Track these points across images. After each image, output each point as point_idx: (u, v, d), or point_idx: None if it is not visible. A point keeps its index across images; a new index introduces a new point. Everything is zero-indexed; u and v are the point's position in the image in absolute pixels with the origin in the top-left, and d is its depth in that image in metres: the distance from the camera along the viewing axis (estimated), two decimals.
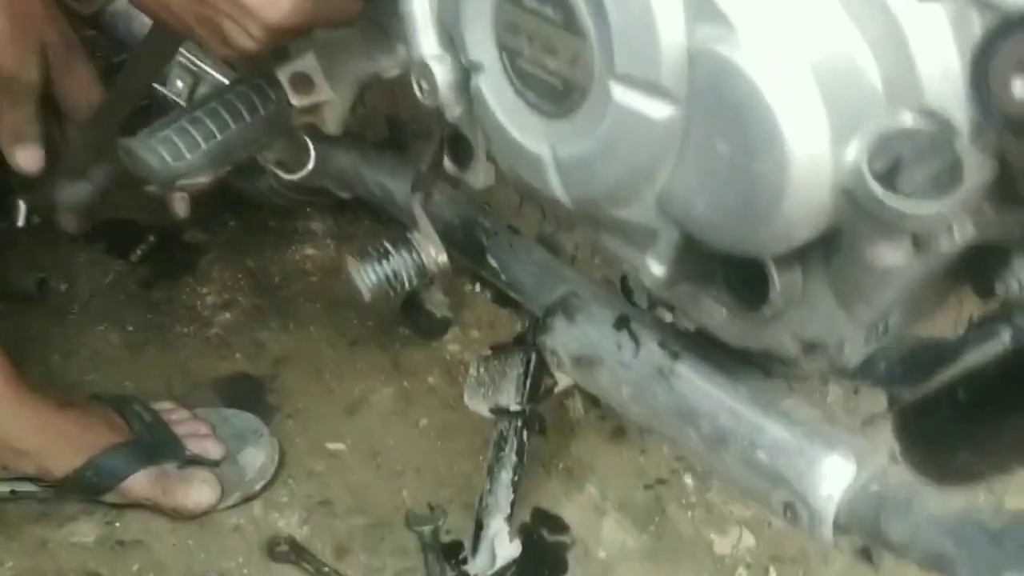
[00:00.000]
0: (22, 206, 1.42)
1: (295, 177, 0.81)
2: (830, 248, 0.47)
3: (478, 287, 1.28)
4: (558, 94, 0.52)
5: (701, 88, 0.44)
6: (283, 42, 0.66)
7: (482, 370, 0.86)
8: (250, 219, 1.39)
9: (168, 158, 0.67)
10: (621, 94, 0.47)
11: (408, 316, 1.19)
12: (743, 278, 0.51)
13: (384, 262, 0.71)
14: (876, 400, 1.11)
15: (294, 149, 0.82)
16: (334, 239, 1.38)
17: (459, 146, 0.72)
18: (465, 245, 0.82)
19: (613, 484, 1.03)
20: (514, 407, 0.87)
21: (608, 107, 0.48)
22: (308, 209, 1.40)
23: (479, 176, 0.75)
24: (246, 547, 0.97)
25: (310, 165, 0.81)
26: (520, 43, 0.53)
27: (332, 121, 0.78)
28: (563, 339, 0.71)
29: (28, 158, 0.91)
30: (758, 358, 0.66)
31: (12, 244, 1.37)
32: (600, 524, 0.99)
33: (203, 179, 0.69)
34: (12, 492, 1.02)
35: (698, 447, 0.64)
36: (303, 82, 0.72)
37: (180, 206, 0.93)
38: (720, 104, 0.44)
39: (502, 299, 1.29)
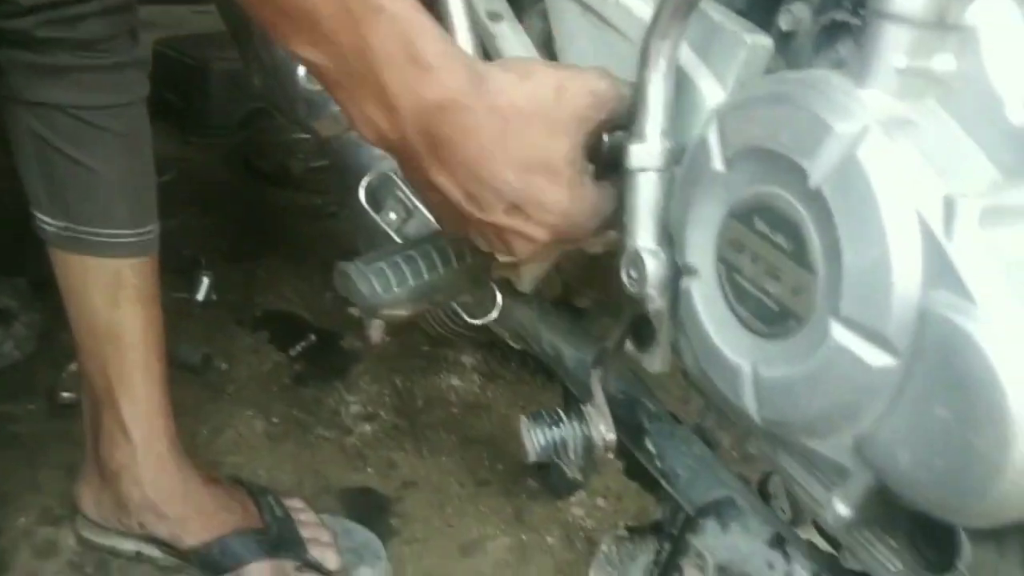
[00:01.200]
0: (205, 281, 1.52)
1: (478, 322, 0.84)
2: None
3: (612, 455, 1.28)
4: (773, 317, 0.53)
5: (928, 348, 0.45)
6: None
7: (613, 549, 0.85)
8: (405, 339, 1.45)
9: (378, 288, 0.71)
10: (840, 335, 0.48)
11: (539, 470, 1.20)
12: (930, 538, 0.50)
13: (555, 428, 0.72)
14: None
15: (481, 295, 0.85)
16: (480, 375, 1.41)
17: (643, 329, 0.74)
18: (625, 422, 0.83)
19: None
20: None
21: (824, 343, 0.49)
22: (460, 341, 1.45)
23: (656, 362, 0.76)
24: None
25: (494, 315, 0.84)
26: (742, 261, 0.55)
27: (527, 280, 0.82)
28: (712, 544, 0.71)
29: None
30: None
31: (188, 316, 1.46)
32: None
33: (403, 312, 0.73)
34: (137, 553, 1.06)
35: None
36: None
37: (376, 333, 0.98)
38: (946, 370, 0.44)
39: (633, 472, 1.28)
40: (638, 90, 0.62)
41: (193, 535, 1.04)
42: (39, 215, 0.98)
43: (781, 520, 0.70)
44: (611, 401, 0.84)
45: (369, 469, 1.22)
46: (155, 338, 1.02)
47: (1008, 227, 0.44)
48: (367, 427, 1.29)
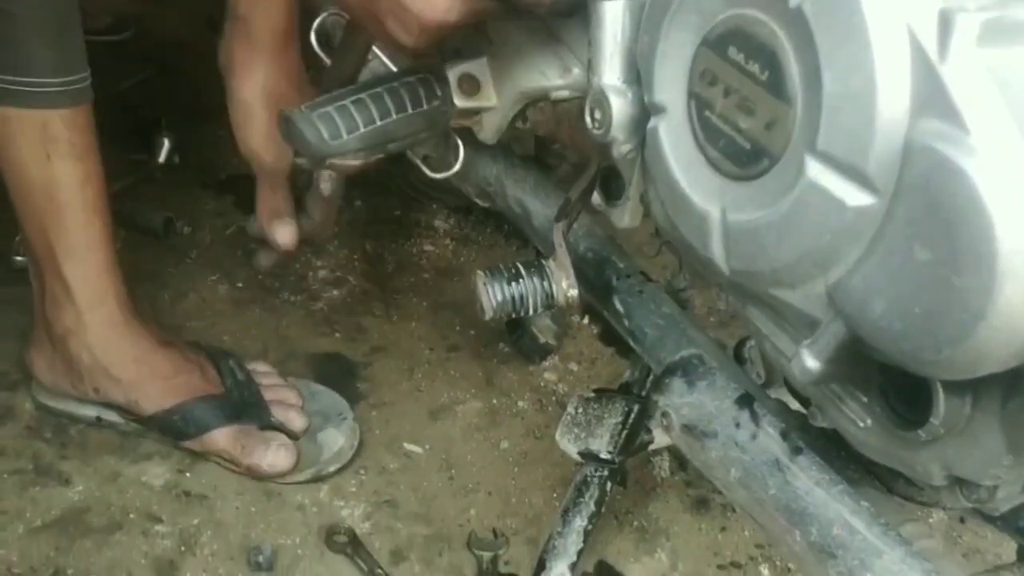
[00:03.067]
0: (165, 144, 1.46)
1: (439, 176, 0.79)
2: (1013, 387, 0.42)
3: (586, 320, 1.25)
4: (744, 155, 0.49)
5: (912, 184, 0.40)
6: (441, 38, 0.65)
7: (580, 411, 0.83)
8: (376, 203, 1.40)
9: (325, 135, 0.66)
10: (816, 171, 0.44)
11: (511, 334, 1.17)
12: (903, 392, 0.47)
13: (514, 284, 0.68)
14: (979, 534, 1.04)
15: (444, 148, 0.80)
16: (453, 240, 1.37)
17: (612, 182, 0.70)
18: (593, 281, 0.79)
19: (685, 555, 0.98)
20: (604, 455, 0.84)
21: (798, 181, 0.45)
22: (434, 205, 1.40)
23: (625, 216, 0.72)
24: (305, 528, 0.96)
25: (457, 167, 0.79)
26: (714, 95, 0.50)
27: (490, 129, 0.76)
28: (678, 402, 0.68)
29: (286, 234, 1.00)
30: (880, 470, 0.62)
31: (148, 180, 1.41)
32: None
33: (353, 162, 0.68)
34: (98, 419, 1.04)
35: (800, 550, 0.59)
36: (471, 84, 0.70)
37: (326, 186, 0.93)
38: (931, 206, 0.40)
39: (608, 338, 1.26)
40: None
41: (151, 401, 1.01)
42: None
43: (750, 379, 0.67)
44: (580, 260, 0.81)
45: (337, 334, 1.19)
46: (95, 194, 0.96)
47: (1011, 46, 0.39)
48: (335, 292, 1.25)
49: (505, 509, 1.00)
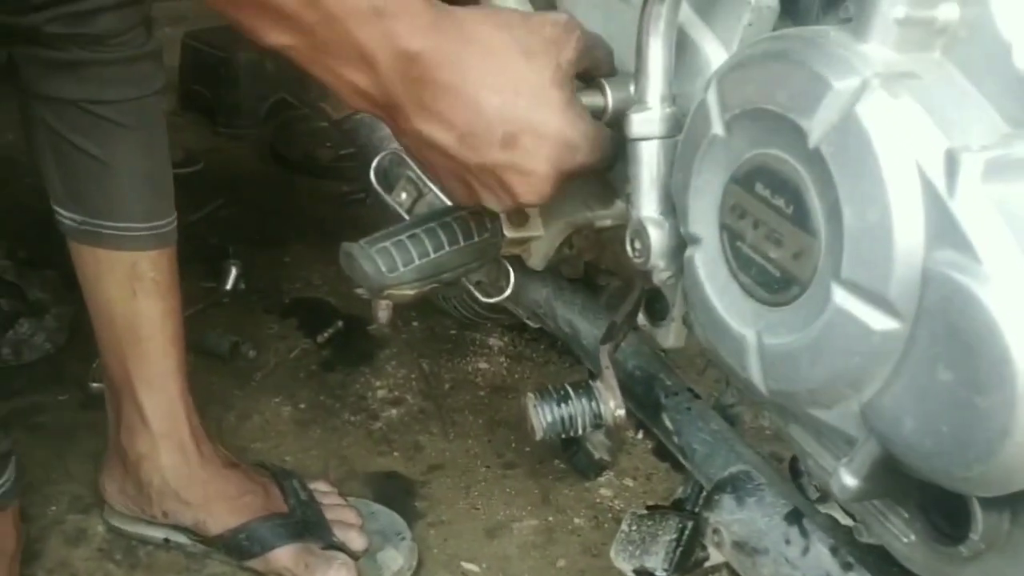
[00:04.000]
0: (233, 271, 1.53)
1: (491, 301, 0.83)
2: None
3: (640, 435, 1.27)
4: (775, 283, 0.51)
5: (931, 310, 0.43)
6: None
7: (634, 528, 0.84)
8: (432, 323, 1.44)
9: (383, 268, 0.70)
10: (842, 298, 0.47)
11: (566, 451, 1.19)
12: (942, 508, 0.48)
13: (563, 405, 0.71)
14: None
15: (495, 274, 0.84)
16: (508, 357, 1.40)
17: (656, 304, 0.73)
18: (642, 398, 0.82)
19: None
20: (660, 573, 0.84)
21: (826, 308, 0.48)
22: (488, 324, 1.44)
23: (670, 336, 0.75)
24: None
25: (508, 292, 0.83)
26: (744, 227, 0.53)
27: (537, 256, 0.80)
28: (728, 519, 0.69)
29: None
30: None
31: (216, 305, 1.47)
32: None
33: (409, 292, 0.72)
34: (166, 540, 1.07)
35: None
36: (519, 216, 0.75)
37: (383, 315, 0.97)
38: (950, 331, 0.42)
39: (663, 453, 1.27)
40: (638, 55, 0.61)
41: (218, 521, 1.04)
42: (57, 208, 0.99)
43: (799, 493, 0.68)
44: (628, 377, 0.83)
45: (395, 453, 1.22)
46: (173, 329, 1.02)
47: (1014, 181, 0.42)
48: (393, 411, 1.29)
49: None
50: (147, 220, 0.99)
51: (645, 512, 0.85)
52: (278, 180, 1.86)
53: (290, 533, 1.04)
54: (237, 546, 1.04)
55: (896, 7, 0.45)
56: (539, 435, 0.73)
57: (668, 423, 0.79)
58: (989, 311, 0.40)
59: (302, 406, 1.29)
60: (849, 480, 0.49)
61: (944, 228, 0.42)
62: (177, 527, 1.06)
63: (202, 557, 1.06)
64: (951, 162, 0.42)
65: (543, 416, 0.71)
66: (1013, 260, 0.41)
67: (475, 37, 0.59)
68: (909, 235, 0.44)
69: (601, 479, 1.19)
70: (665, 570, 0.85)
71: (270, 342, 1.41)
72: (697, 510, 0.86)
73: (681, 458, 0.79)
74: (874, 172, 0.44)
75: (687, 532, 0.85)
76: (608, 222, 0.74)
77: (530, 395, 0.72)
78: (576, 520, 1.14)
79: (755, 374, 0.54)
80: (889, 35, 0.46)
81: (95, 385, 1.25)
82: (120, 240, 0.99)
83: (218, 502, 1.05)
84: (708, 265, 0.56)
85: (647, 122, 0.60)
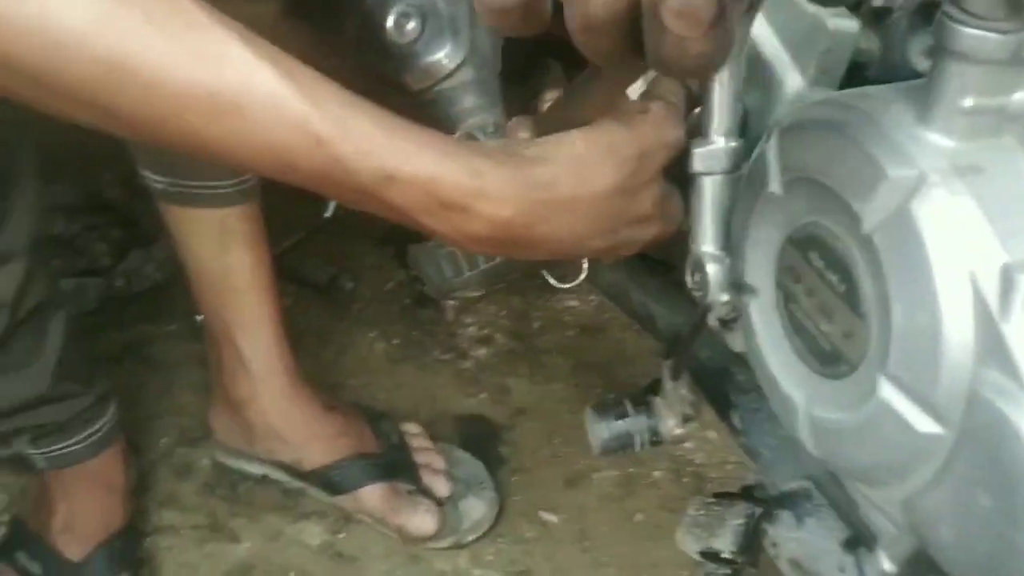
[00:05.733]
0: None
1: (564, 286, 0.83)
2: None
3: None
4: (825, 356, 0.50)
5: (975, 431, 0.41)
6: None
7: (701, 512, 0.85)
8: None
9: (448, 273, 0.71)
10: (888, 392, 0.45)
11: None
12: None
13: (620, 421, 0.72)
14: None
15: (569, 260, 0.84)
16: (597, 296, 1.40)
17: None
18: (712, 392, 0.81)
19: None
20: (727, 554, 0.86)
21: (872, 397, 0.46)
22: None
23: (739, 341, 0.74)
24: None
25: (581, 277, 0.82)
26: (798, 292, 0.51)
27: None
28: (786, 536, 0.69)
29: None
30: None
31: (316, 231, 1.51)
32: None
33: (474, 293, 0.73)
34: (264, 476, 1.14)
35: None
36: None
37: (451, 313, 0.98)
38: (992, 458, 0.40)
39: None
40: (703, 87, 0.58)
41: (313, 459, 1.10)
42: (144, 172, 1.02)
43: (861, 518, 0.67)
44: (699, 368, 0.82)
45: (483, 395, 1.25)
46: (265, 278, 1.06)
47: None
48: (482, 351, 1.31)
49: None
50: (230, 177, 1.01)
51: (712, 500, 0.86)
52: (378, 95, 1.85)
53: (380, 473, 1.09)
54: (329, 481, 1.10)
55: (965, 97, 0.42)
56: (596, 451, 0.73)
57: (736, 422, 0.78)
58: None
59: (395, 342, 1.33)
60: (887, 566, 0.48)
61: (994, 348, 0.40)
62: (277, 464, 1.13)
63: (296, 495, 1.12)
64: (1007, 280, 0.40)
65: (601, 431, 0.72)
66: None
67: (559, 196, 0.52)
68: (958, 348, 0.42)
69: (682, 431, 1.20)
70: (732, 552, 0.86)
71: (366, 273, 1.45)
72: (765, 499, 0.86)
73: (748, 457, 0.78)
74: (926, 276, 0.42)
75: (755, 519, 0.85)
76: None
77: (589, 409, 0.73)
78: (655, 473, 1.15)
79: (804, 436, 0.53)
80: (955, 124, 0.42)
81: (199, 318, 1.31)
82: (209, 199, 1.02)
83: (315, 442, 1.10)
84: (763, 318, 0.55)
85: (710, 157, 0.58)
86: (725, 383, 0.81)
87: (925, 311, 0.42)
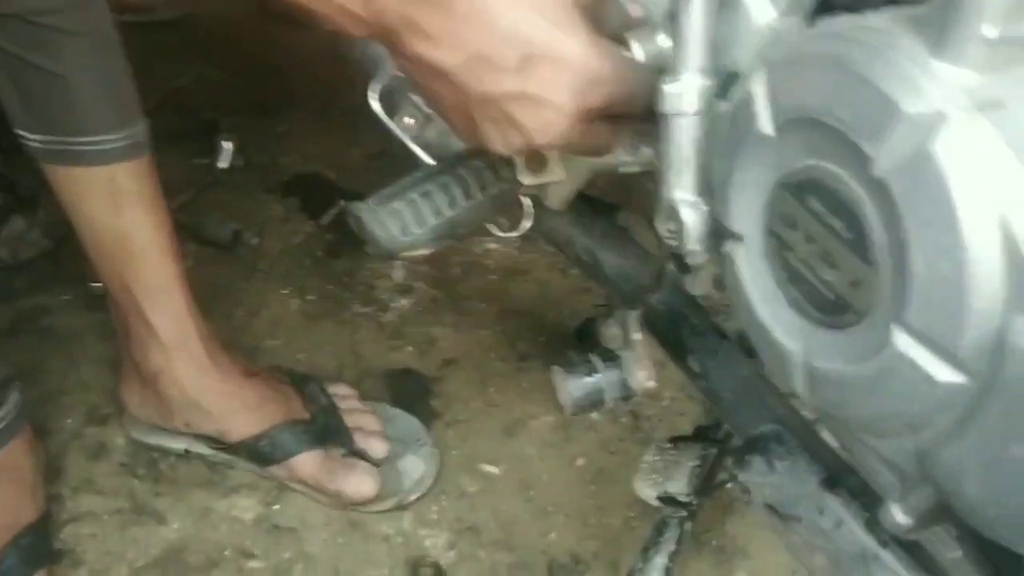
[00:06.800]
0: (226, 146, 1.47)
1: (510, 235, 0.79)
2: None
3: None
4: (828, 305, 0.47)
5: (1008, 381, 0.39)
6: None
7: (657, 458, 0.84)
8: None
9: (395, 232, 0.65)
10: (904, 343, 0.43)
11: (581, 343, 1.17)
12: (995, 550, 0.46)
13: (590, 378, 0.69)
14: None
15: (513, 207, 0.79)
16: (519, 237, 1.36)
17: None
18: (666, 336, 0.79)
19: (764, 574, 0.99)
20: (683, 498, 0.85)
21: (884, 348, 0.44)
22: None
23: (697, 285, 0.72)
24: (392, 559, 0.99)
25: (527, 226, 0.78)
26: (794, 239, 0.48)
27: (556, 199, 0.76)
28: (760, 481, 0.68)
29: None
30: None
31: (212, 185, 1.42)
32: None
33: (423, 251, 0.68)
34: (186, 451, 1.07)
35: None
36: (538, 162, 0.69)
37: (398, 274, 0.93)
38: None
39: None
40: (672, 17, 0.54)
41: (239, 430, 1.04)
42: (21, 132, 0.93)
43: (836, 457, 0.66)
44: (652, 312, 0.80)
45: (409, 348, 1.21)
46: (166, 239, 0.99)
47: None
48: (403, 301, 1.27)
49: (584, 531, 1.02)
50: (116, 130, 0.93)
51: (668, 444, 0.84)
52: (263, 33, 1.74)
53: (312, 439, 1.04)
54: (259, 452, 1.04)
55: (987, 26, 0.39)
56: (569, 411, 0.71)
57: (694, 365, 0.76)
58: None
59: (310, 297, 1.27)
60: (901, 518, 0.47)
61: None
62: (199, 437, 1.06)
63: (224, 468, 1.06)
64: None
65: (571, 391, 0.69)
66: None
67: None
68: (987, 296, 0.39)
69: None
70: (688, 495, 0.85)
71: (272, 226, 1.37)
72: (720, 439, 0.85)
73: (709, 401, 0.77)
74: (950, 222, 0.40)
75: (710, 459, 0.85)
76: (635, 168, 0.68)
77: (556, 368, 0.69)
78: (593, 416, 1.13)
79: (801, 389, 0.51)
80: (975, 56, 0.40)
81: (95, 285, 1.22)
82: (93, 155, 0.93)
83: (239, 411, 1.04)
84: (751, 267, 0.52)
85: (682, 96, 0.54)
86: (680, 327, 0.78)
87: (949, 258, 0.40)
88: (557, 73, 0.54)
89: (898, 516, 0.47)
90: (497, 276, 1.31)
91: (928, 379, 0.42)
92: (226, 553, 0.99)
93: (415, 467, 1.05)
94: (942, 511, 0.45)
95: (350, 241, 1.34)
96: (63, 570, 0.96)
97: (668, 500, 0.85)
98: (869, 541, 0.61)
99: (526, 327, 1.23)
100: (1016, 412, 0.39)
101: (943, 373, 0.42)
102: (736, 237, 0.52)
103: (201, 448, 1.07)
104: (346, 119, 1.49)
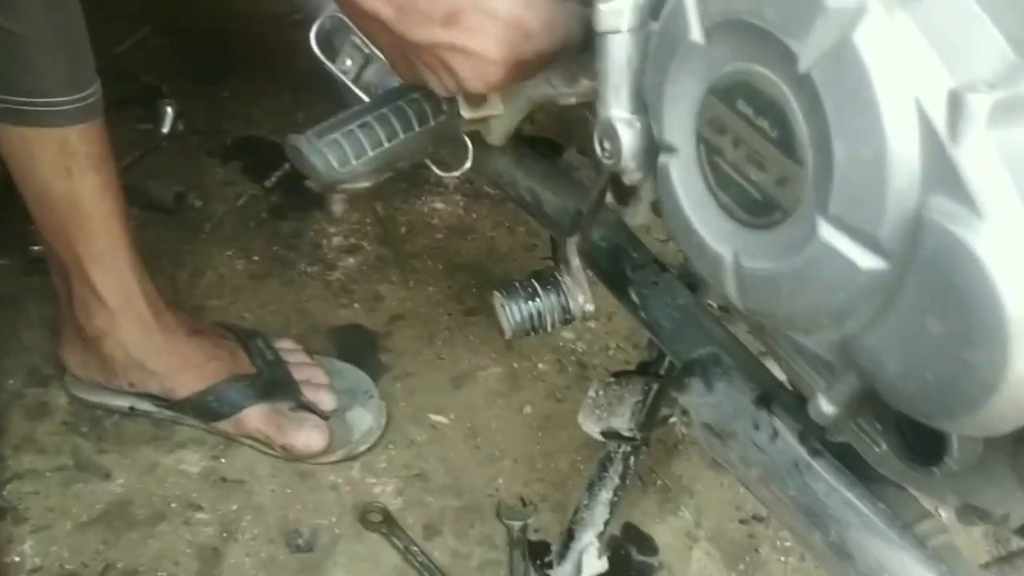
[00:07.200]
0: (169, 112, 1.45)
1: (451, 175, 0.80)
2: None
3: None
4: (756, 206, 0.49)
5: (923, 257, 0.41)
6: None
7: (600, 393, 0.85)
8: None
9: (334, 163, 0.66)
10: (828, 233, 0.45)
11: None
12: (918, 430, 0.48)
13: (531, 302, 0.70)
14: None
15: (452, 147, 0.80)
16: (464, 196, 1.37)
17: (624, 186, 0.70)
18: (607, 270, 0.80)
19: (709, 512, 1.02)
20: (626, 433, 0.87)
21: (811, 240, 0.46)
22: None
23: (637, 216, 0.73)
24: (340, 508, 1.00)
25: (467, 166, 0.79)
26: (723, 143, 0.50)
27: (497, 134, 0.77)
28: (697, 402, 0.70)
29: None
30: None
31: (155, 150, 1.40)
32: (690, 553, 0.99)
33: (363, 184, 0.69)
34: (131, 408, 1.07)
35: (821, 550, 0.62)
36: (476, 96, 0.70)
37: (338, 208, 0.93)
38: (942, 282, 0.40)
39: None
40: None
41: (184, 387, 1.04)
42: None
43: (769, 375, 0.68)
44: (593, 248, 0.81)
45: (356, 305, 1.21)
46: (114, 202, 0.98)
47: (1021, 126, 0.39)
48: (350, 260, 1.27)
49: (531, 475, 1.04)
50: (71, 92, 0.92)
51: (611, 380, 0.86)
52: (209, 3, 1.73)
53: (259, 394, 1.04)
54: (206, 408, 1.04)
55: None
56: (508, 334, 0.72)
57: (634, 297, 0.78)
58: (985, 268, 0.39)
59: (256, 258, 1.26)
60: (827, 408, 0.49)
61: (943, 174, 0.40)
62: (144, 395, 1.05)
63: (170, 424, 1.06)
64: (955, 104, 0.39)
65: (512, 314, 0.70)
66: (1015, 215, 0.39)
67: None
68: (905, 177, 0.41)
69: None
70: (631, 429, 0.87)
71: (216, 189, 1.36)
72: (662, 373, 0.87)
73: (648, 331, 0.78)
74: (870, 108, 0.41)
75: (652, 393, 0.86)
76: (573, 100, 0.70)
77: (496, 294, 0.70)
78: (540, 366, 1.15)
79: (731, 291, 0.52)
80: None
81: (35, 248, 1.20)
82: (46, 116, 0.92)
83: (185, 369, 1.04)
84: (684, 176, 0.53)
85: (616, 14, 0.55)
86: (620, 261, 0.80)
87: (870, 145, 0.42)
88: (485, 26, 0.55)
89: (825, 407, 0.48)
90: (443, 234, 1.31)
91: (851, 267, 0.44)
92: (173, 506, 0.99)
93: (363, 419, 1.06)
94: (865, 398, 0.47)
95: (296, 203, 1.34)
96: (5, 527, 0.95)
97: (612, 435, 0.87)
98: (801, 451, 0.63)
99: (473, 283, 1.24)
100: (931, 287, 0.41)
101: (865, 260, 0.44)
102: (669, 148, 0.54)
103: (146, 405, 1.06)
104: (290, 84, 1.48)
